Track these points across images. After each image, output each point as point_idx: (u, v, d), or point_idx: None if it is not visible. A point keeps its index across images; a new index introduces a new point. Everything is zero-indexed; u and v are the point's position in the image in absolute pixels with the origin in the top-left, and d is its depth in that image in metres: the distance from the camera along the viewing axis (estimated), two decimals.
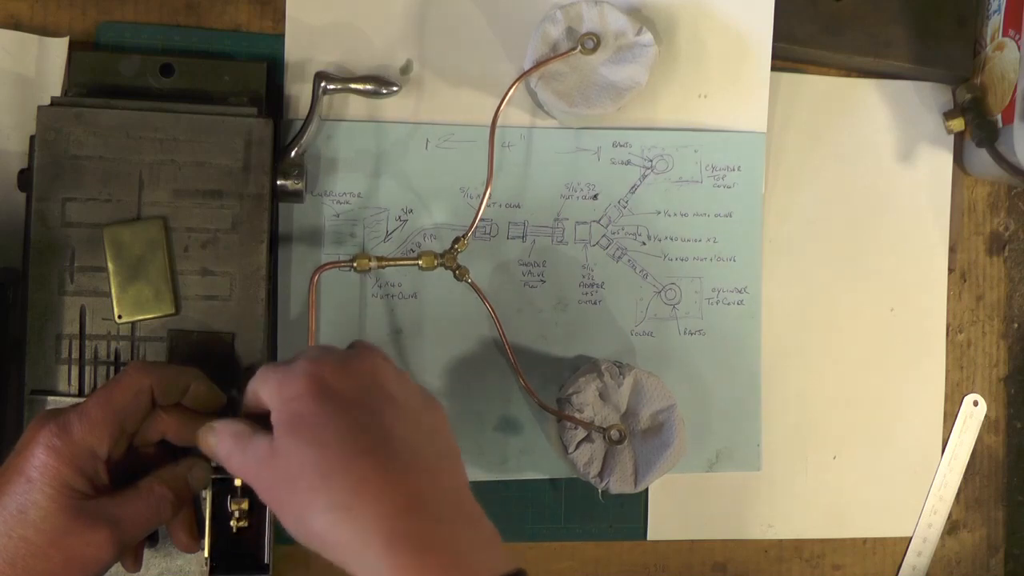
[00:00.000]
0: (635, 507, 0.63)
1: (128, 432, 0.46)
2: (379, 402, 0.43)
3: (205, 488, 0.49)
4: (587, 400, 0.56)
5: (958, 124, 0.64)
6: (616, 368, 0.57)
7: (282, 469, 0.41)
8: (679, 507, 0.63)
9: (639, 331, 0.62)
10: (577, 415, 0.56)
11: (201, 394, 0.49)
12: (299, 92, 0.58)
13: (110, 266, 0.52)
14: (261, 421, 0.44)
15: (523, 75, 0.58)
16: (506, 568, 0.40)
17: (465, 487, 0.44)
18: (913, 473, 0.66)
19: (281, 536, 0.51)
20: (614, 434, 0.56)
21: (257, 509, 0.49)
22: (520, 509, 0.61)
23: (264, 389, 0.43)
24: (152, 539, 0.53)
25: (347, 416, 0.42)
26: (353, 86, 0.57)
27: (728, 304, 0.63)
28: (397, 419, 0.43)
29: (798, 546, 0.65)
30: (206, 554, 0.49)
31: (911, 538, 0.66)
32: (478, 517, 0.43)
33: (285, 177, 0.55)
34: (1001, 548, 0.68)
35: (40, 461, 0.43)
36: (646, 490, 0.61)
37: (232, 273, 0.53)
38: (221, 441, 0.44)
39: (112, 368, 0.52)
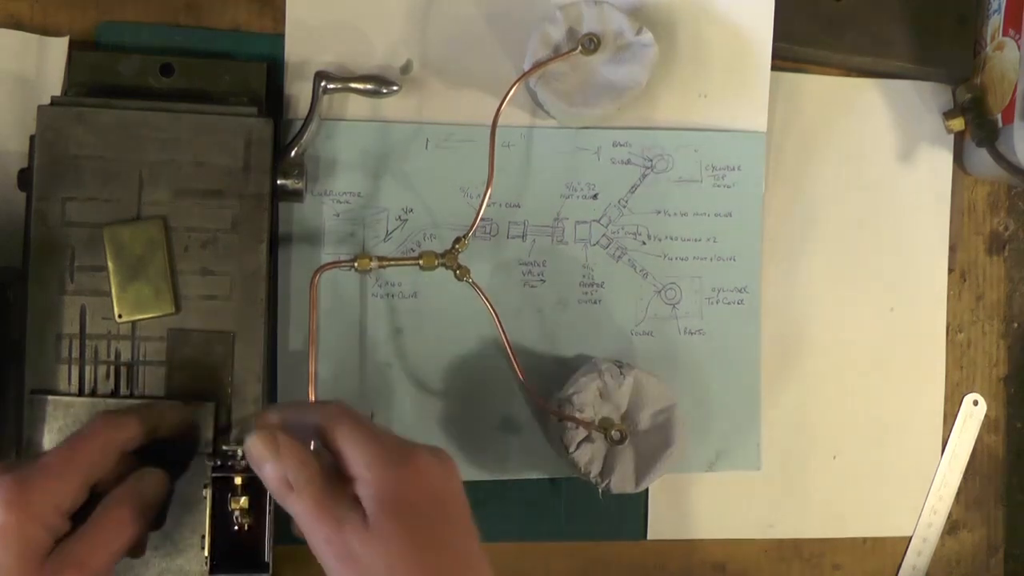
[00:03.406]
0: (635, 507, 0.63)
1: (92, 483, 0.45)
2: (468, 519, 0.43)
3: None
4: (587, 400, 0.56)
5: (958, 124, 0.64)
6: (616, 368, 0.57)
7: (380, 556, 0.40)
8: (679, 507, 0.63)
9: (639, 331, 0.62)
10: (577, 415, 0.56)
11: (174, 427, 0.48)
12: (299, 92, 0.58)
13: (110, 266, 0.52)
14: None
15: (523, 75, 0.58)
16: None
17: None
18: (913, 473, 0.66)
19: (281, 536, 0.51)
20: (615, 434, 0.56)
21: (257, 508, 0.49)
22: (520, 509, 0.61)
23: (356, 451, 0.41)
24: (159, 520, 0.52)
25: (452, 528, 0.42)
26: (353, 86, 0.57)
27: (728, 304, 0.63)
28: (475, 540, 0.43)
29: (798, 546, 0.65)
30: (206, 553, 0.49)
31: (911, 538, 0.66)
32: None
33: (285, 177, 0.55)
34: (1001, 548, 0.68)
35: (0, 520, 0.41)
36: (646, 490, 0.61)
37: (232, 273, 0.53)
38: (279, 466, 0.42)
39: (112, 368, 0.52)
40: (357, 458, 0.41)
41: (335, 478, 0.42)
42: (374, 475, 0.41)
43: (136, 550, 0.48)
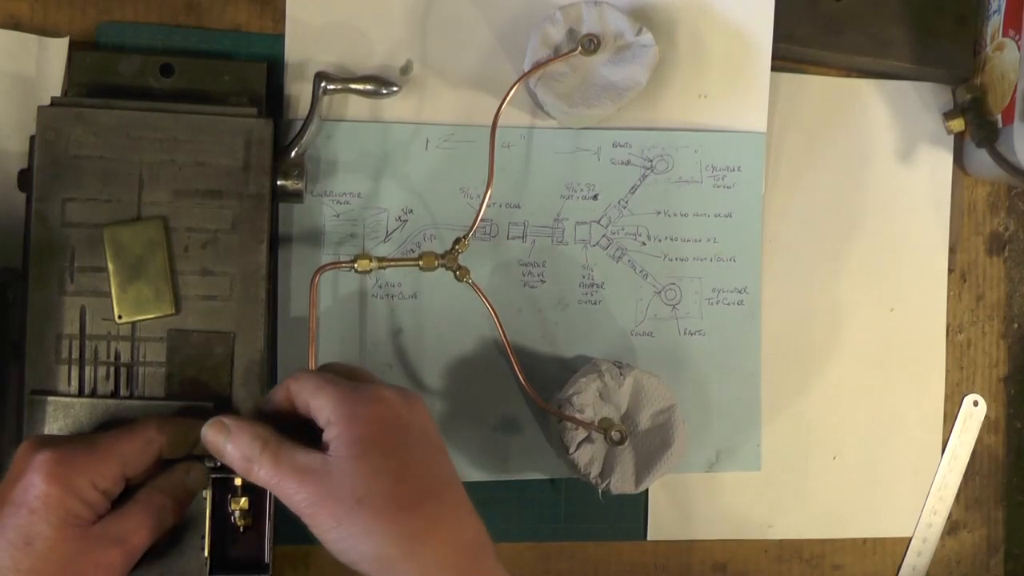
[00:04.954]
0: (635, 507, 0.63)
1: (128, 477, 0.46)
2: (437, 444, 0.45)
3: (203, 489, 0.49)
4: (587, 400, 0.56)
5: (958, 124, 0.64)
6: (616, 368, 0.57)
7: (341, 487, 0.41)
8: (679, 507, 0.63)
9: (639, 331, 0.62)
10: (577, 416, 0.56)
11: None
12: (299, 92, 0.58)
13: (110, 266, 0.52)
14: (282, 427, 0.44)
15: (523, 76, 0.58)
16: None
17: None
18: (913, 473, 0.66)
19: (281, 536, 0.51)
20: (615, 435, 0.56)
21: (257, 508, 0.49)
22: (520, 509, 0.61)
23: (320, 400, 0.43)
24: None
25: (419, 452, 0.43)
26: (353, 86, 0.57)
27: (728, 304, 0.63)
28: (447, 463, 0.45)
29: (798, 546, 0.65)
30: (206, 554, 0.49)
31: (911, 538, 0.66)
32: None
33: (285, 177, 0.55)
34: (1001, 548, 0.68)
35: (41, 491, 0.43)
36: (646, 490, 0.61)
37: (232, 273, 0.53)
38: (235, 445, 0.43)
39: (112, 368, 0.52)
40: (323, 406, 0.43)
41: (297, 443, 0.43)
42: (338, 415, 0.42)
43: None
